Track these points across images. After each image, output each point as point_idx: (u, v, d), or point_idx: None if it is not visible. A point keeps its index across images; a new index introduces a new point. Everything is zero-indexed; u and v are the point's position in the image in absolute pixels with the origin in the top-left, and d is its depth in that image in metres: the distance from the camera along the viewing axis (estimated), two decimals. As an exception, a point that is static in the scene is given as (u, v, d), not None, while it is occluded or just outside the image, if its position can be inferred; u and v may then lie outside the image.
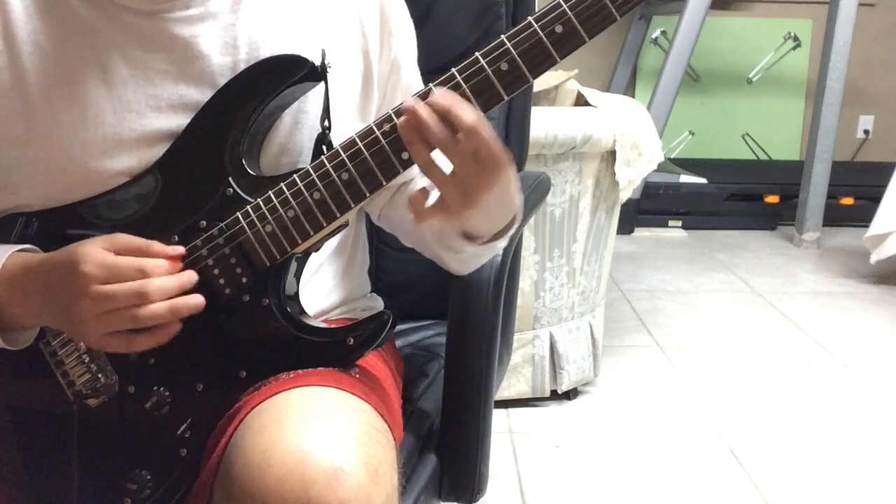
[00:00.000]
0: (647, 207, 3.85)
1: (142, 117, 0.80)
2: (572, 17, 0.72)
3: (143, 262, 0.74)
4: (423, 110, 0.71)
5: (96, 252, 0.73)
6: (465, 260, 0.89)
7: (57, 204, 0.81)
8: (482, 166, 0.73)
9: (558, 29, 0.73)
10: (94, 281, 0.72)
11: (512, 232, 0.86)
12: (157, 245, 0.76)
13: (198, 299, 0.76)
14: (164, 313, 0.74)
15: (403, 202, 0.95)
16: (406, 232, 0.97)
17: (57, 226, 0.82)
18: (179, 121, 0.81)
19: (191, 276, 0.77)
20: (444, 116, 0.71)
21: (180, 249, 0.77)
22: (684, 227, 3.96)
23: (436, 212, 0.75)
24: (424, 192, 0.76)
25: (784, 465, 1.88)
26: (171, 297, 0.74)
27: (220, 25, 0.82)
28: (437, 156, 0.74)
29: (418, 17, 0.99)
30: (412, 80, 0.94)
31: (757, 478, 1.83)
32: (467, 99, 0.74)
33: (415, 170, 0.78)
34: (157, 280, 0.73)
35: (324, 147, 0.79)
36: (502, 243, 0.87)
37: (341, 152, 0.77)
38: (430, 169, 0.74)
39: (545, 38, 0.73)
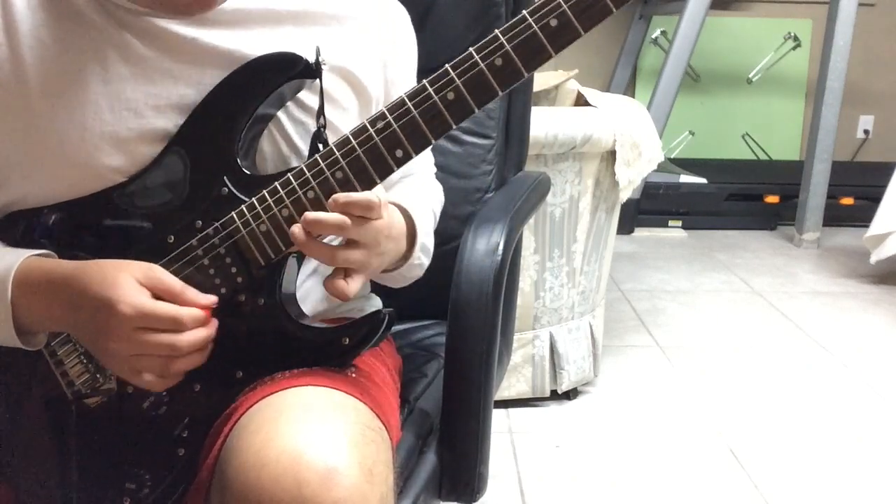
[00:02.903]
0: (647, 207, 3.85)
1: (140, 116, 0.80)
2: (567, 9, 0.72)
3: (179, 313, 0.74)
4: (312, 225, 0.76)
5: (134, 293, 0.73)
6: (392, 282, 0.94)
7: (52, 200, 0.81)
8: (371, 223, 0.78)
9: (553, 22, 0.72)
10: (129, 324, 0.72)
11: (413, 260, 0.90)
12: (191, 292, 0.76)
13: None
14: (192, 366, 0.76)
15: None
16: None
17: (56, 225, 0.81)
18: (177, 120, 0.81)
19: (215, 326, 0.78)
20: (314, 229, 0.76)
21: (212, 299, 0.78)
22: (684, 227, 3.96)
23: (354, 283, 0.79)
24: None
25: (784, 465, 1.88)
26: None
27: (219, 28, 0.82)
28: None
29: (418, 17, 0.99)
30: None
31: (757, 478, 1.82)
32: (462, 96, 0.75)
33: (410, 168, 0.79)
34: (189, 335, 0.74)
35: (319, 145, 0.79)
36: (416, 273, 0.93)
37: (335, 150, 0.77)
38: (337, 257, 0.77)
39: (539, 32, 0.73)
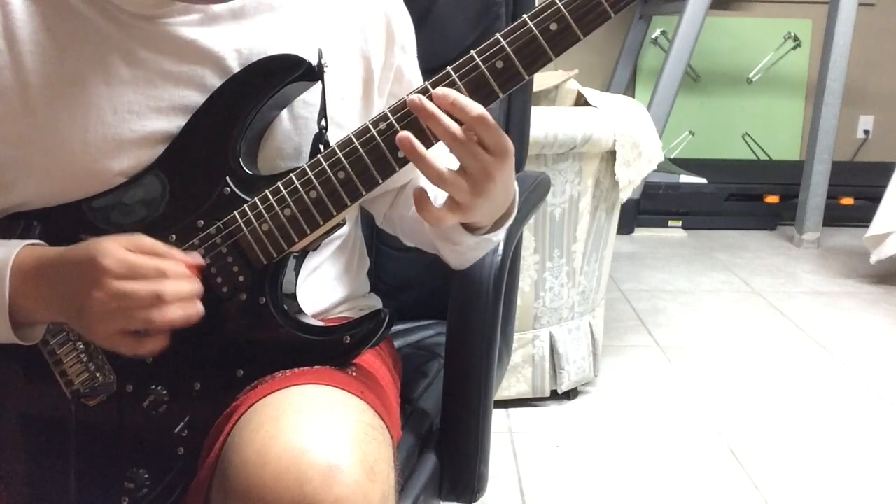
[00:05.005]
0: (647, 207, 3.85)
1: (142, 118, 0.80)
2: (566, 14, 0.73)
3: (163, 263, 0.73)
4: (430, 105, 0.73)
5: (116, 249, 0.72)
6: (463, 253, 0.90)
7: (54, 203, 0.81)
8: (492, 155, 0.75)
9: (553, 27, 0.73)
10: (111, 275, 0.71)
11: (509, 223, 0.88)
12: (178, 252, 0.75)
13: (200, 307, 0.75)
14: (179, 318, 0.73)
15: (404, 203, 0.97)
16: (407, 231, 0.99)
17: (57, 226, 0.81)
18: (180, 122, 0.81)
19: (201, 288, 0.76)
20: (449, 110, 0.73)
21: (200, 260, 0.77)
22: (684, 227, 3.96)
23: (448, 211, 0.77)
24: (424, 191, 0.77)
25: (784, 465, 1.88)
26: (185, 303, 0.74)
27: (221, 29, 0.82)
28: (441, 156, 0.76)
29: (418, 16, 0.99)
30: (414, 85, 0.94)
31: (757, 478, 1.83)
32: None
33: (413, 170, 0.78)
34: (173, 284, 0.72)
35: (321, 146, 0.79)
36: (500, 235, 0.88)
37: (337, 151, 0.77)
38: (438, 174, 0.75)
39: (540, 36, 0.73)
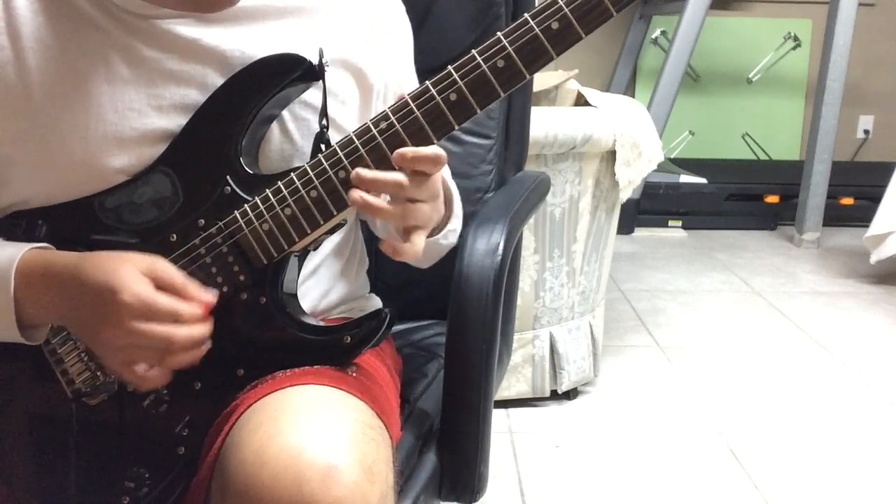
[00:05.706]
0: (647, 207, 3.85)
1: (143, 117, 0.80)
2: (568, 13, 0.73)
3: (179, 307, 0.73)
4: (372, 199, 0.76)
5: (136, 283, 0.72)
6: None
7: (55, 201, 0.81)
8: (426, 205, 0.79)
9: (554, 25, 0.73)
10: (129, 314, 0.71)
11: (453, 224, 0.92)
12: (192, 288, 0.75)
13: (206, 348, 0.76)
14: (185, 364, 0.74)
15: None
16: (378, 225, 1.00)
17: (63, 225, 0.82)
18: (180, 121, 0.81)
19: (211, 325, 0.76)
20: (409, 165, 0.76)
21: (212, 298, 0.76)
22: (684, 227, 3.96)
23: (419, 238, 0.80)
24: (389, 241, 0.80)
25: (784, 465, 1.88)
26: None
27: (223, 28, 0.82)
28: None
29: (417, 16, 0.99)
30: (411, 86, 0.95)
31: (757, 478, 1.83)
32: (464, 97, 0.76)
33: None
34: (186, 330, 0.73)
35: (322, 146, 0.79)
36: (450, 238, 0.92)
37: (339, 150, 0.77)
38: (407, 214, 0.78)
39: (541, 35, 0.74)
